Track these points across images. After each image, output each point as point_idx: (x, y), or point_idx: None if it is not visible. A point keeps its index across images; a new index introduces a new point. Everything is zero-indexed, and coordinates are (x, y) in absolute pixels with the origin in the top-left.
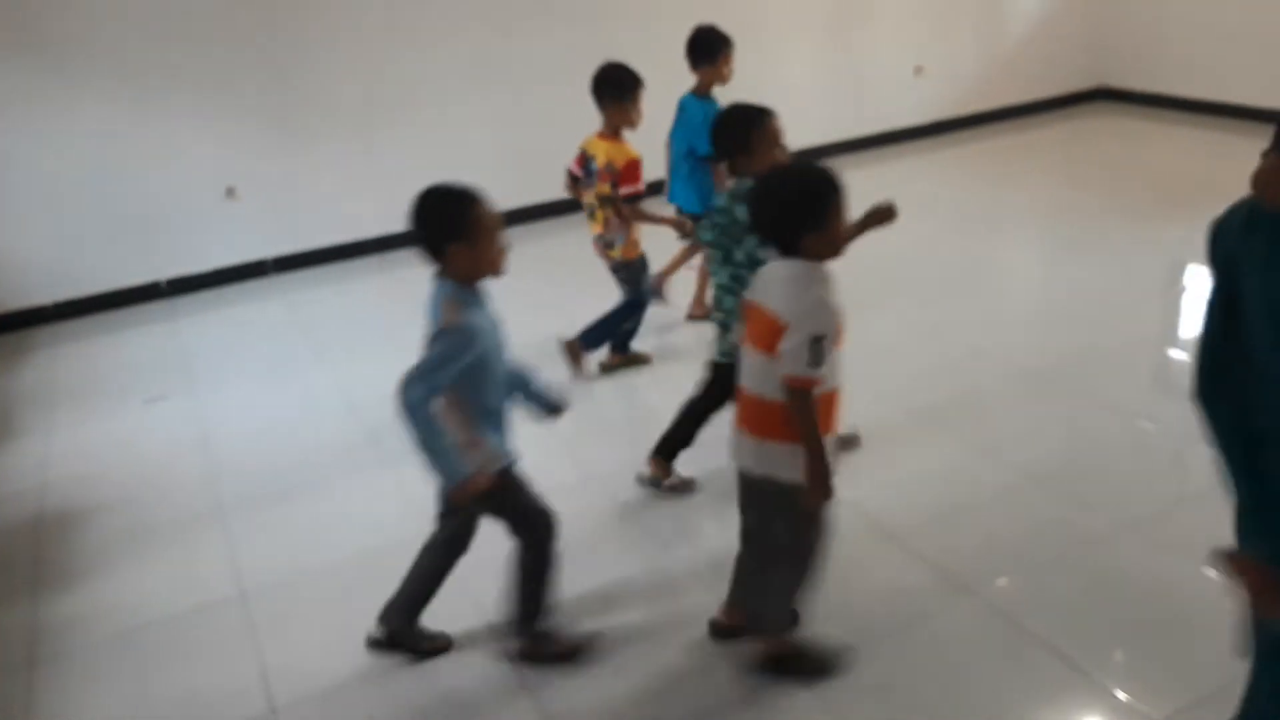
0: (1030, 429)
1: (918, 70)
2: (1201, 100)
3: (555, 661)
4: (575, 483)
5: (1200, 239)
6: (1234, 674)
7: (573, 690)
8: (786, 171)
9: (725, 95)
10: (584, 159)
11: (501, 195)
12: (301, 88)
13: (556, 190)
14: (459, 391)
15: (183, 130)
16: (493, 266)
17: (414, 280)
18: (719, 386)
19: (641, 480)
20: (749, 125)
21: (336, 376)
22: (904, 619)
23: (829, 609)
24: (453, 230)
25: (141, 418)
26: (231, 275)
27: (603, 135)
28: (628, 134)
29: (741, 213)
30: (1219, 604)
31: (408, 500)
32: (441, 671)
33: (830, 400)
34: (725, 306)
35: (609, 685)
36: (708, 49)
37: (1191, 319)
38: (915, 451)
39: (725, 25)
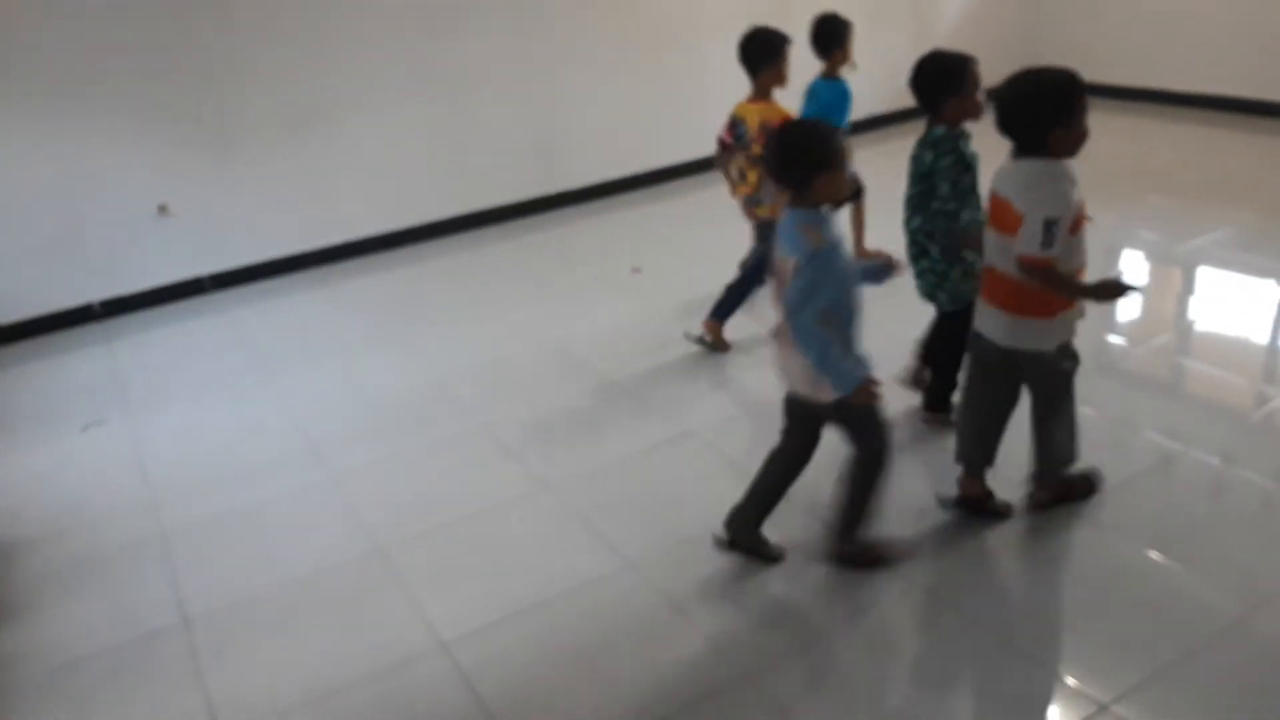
0: None
1: (852, 66)
2: (1131, 87)
3: (867, 567)
4: None
5: (1133, 224)
6: (1178, 652)
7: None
8: (1033, 72)
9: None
10: (734, 125)
11: (441, 202)
12: (232, 99)
13: (499, 196)
14: (834, 310)
15: (110, 146)
16: (847, 189)
17: (355, 293)
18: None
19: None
20: (961, 68)
21: (279, 394)
22: (852, 607)
23: (775, 609)
24: (821, 161)
25: (78, 445)
26: (167, 294)
27: (753, 99)
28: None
29: (929, 159)
30: (1160, 584)
31: (353, 518)
32: (396, 691)
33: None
34: (921, 248)
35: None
36: (834, 35)
37: (1127, 304)
38: None
39: (652, 25)
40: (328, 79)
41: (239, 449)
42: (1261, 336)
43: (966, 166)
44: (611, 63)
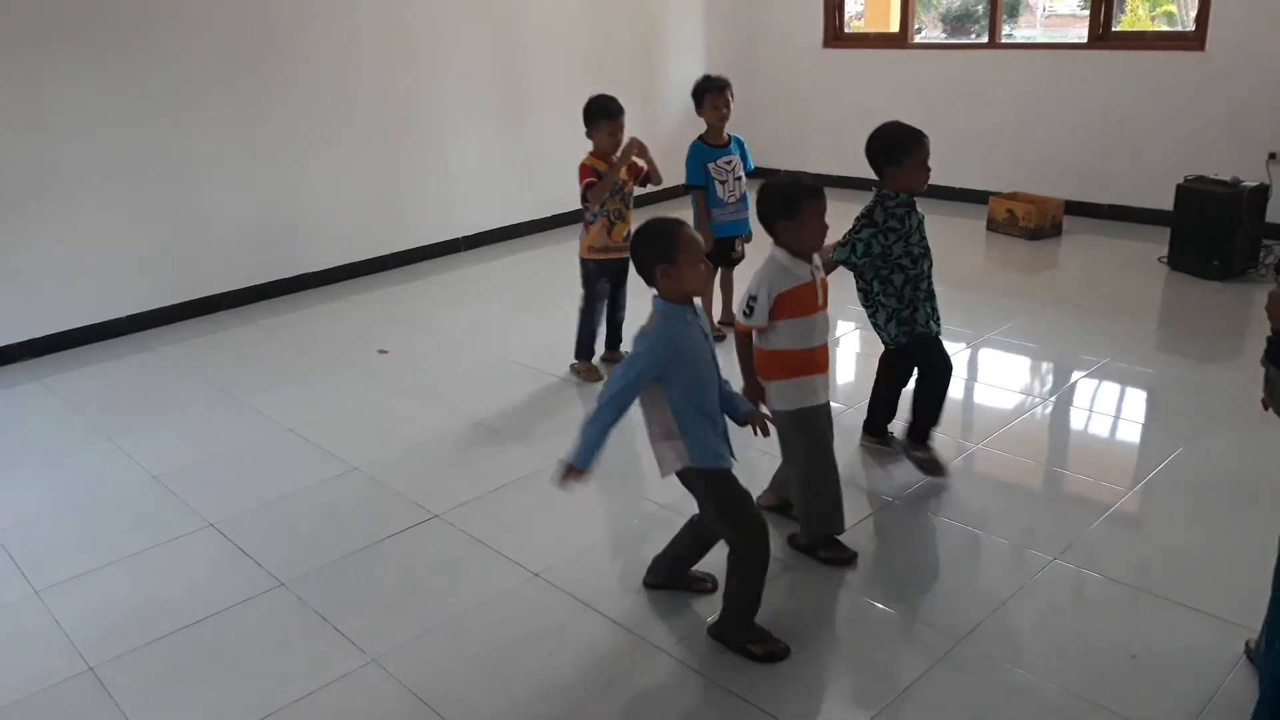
0: None
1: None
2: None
3: (744, 656)
4: None
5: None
6: (898, 690)
7: None
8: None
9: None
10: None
11: (170, 287)
12: None
13: (234, 279)
14: (666, 392)
15: None
16: (695, 286)
17: (67, 386)
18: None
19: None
20: (906, 141)
21: None
22: (608, 679)
23: (531, 690)
24: (655, 255)
25: None
26: None
27: None
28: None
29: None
30: (882, 626)
31: (61, 638)
32: None
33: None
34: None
35: None
36: (695, 97)
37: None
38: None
39: (392, 110)
40: (36, 161)
41: None
42: (956, 394)
43: (895, 237)
44: (350, 147)
